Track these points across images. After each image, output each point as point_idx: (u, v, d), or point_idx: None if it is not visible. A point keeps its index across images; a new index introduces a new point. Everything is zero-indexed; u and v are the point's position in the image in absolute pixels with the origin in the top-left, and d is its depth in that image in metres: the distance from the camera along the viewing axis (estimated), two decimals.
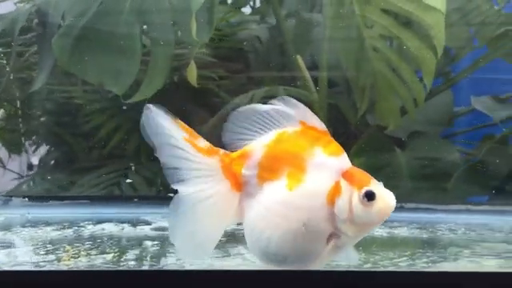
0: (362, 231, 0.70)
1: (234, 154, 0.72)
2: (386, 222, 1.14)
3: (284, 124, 0.71)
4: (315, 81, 1.63)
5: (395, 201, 0.69)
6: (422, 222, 1.22)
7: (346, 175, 0.69)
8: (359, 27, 1.52)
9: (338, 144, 0.72)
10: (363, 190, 0.68)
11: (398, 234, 1.08)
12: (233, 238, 0.90)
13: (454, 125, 1.72)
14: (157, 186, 1.44)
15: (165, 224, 1.08)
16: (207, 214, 0.70)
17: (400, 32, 1.48)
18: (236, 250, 0.85)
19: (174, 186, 0.71)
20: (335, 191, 0.68)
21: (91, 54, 1.28)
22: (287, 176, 0.69)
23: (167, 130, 0.69)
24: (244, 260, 0.78)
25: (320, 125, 0.72)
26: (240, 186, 0.71)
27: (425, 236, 1.11)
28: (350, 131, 1.75)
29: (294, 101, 0.72)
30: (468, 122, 1.72)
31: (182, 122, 0.70)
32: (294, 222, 0.68)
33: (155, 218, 1.16)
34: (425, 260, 0.74)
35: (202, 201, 0.70)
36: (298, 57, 1.65)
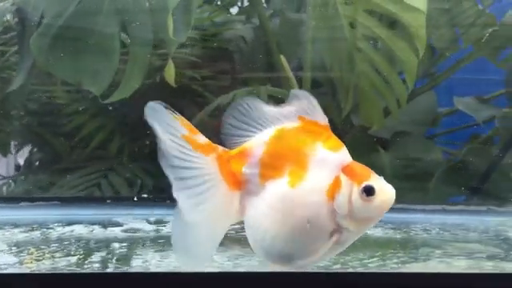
0: (362, 226, 0.69)
1: (233, 152, 0.71)
2: None
3: (282, 120, 0.70)
4: (300, 81, 1.63)
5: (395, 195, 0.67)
6: (397, 222, 1.21)
7: (345, 170, 0.68)
8: (343, 28, 1.52)
9: (337, 138, 0.71)
10: (363, 185, 0.67)
11: (371, 235, 1.07)
12: None
13: (440, 125, 1.72)
14: (137, 187, 1.43)
15: (137, 225, 1.08)
16: (205, 216, 0.68)
17: (383, 32, 1.48)
18: None
19: (172, 184, 0.68)
20: (335, 186, 0.68)
21: (69, 54, 1.26)
22: (289, 173, 0.68)
23: (166, 127, 0.67)
24: (212, 262, 0.76)
25: (323, 119, 0.71)
26: (239, 184, 0.70)
27: (398, 236, 1.10)
28: (334, 132, 1.75)
29: (300, 93, 0.71)
30: (453, 122, 1.72)
31: (183, 118, 0.68)
32: (297, 219, 0.67)
33: (127, 219, 1.15)
34: (395, 261, 0.73)
35: (199, 200, 0.68)
36: (282, 57, 1.65)
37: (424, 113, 1.65)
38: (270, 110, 0.71)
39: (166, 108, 0.68)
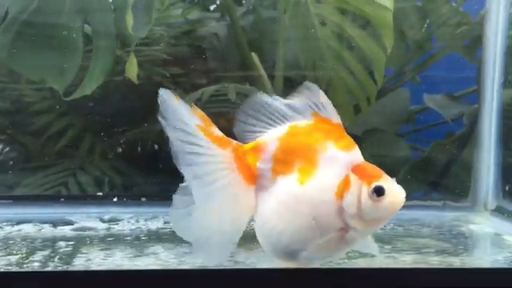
0: (370, 226, 0.69)
1: (248, 146, 0.70)
2: None
3: (297, 116, 0.70)
4: (273, 78, 1.63)
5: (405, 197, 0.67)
6: None
7: (356, 169, 0.68)
8: (314, 25, 1.53)
9: (350, 138, 0.71)
10: (372, 185, 0.67)
11: None
12: (148, 237, 0.88)
13: (416, 122, 1.72)
14: (104, 186, 1.42)
15: (89, 224, 1.07)
16: (224, 211, 0.68)
17: (352, 30, 1.49)
18: (152, 249, 0.84)
19: (185, 175, 0.67)
20: (344, 185, 0.67)
21: (32, 50, 1.25)
22: (299, 170, 0.68)
23: (181, 116, 0.66)
24: (157, 260, 0.75)
25: (335, 117, 0.71)
26: (254, 178, 0.69)
27: None
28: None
29: (314, 87, 0.71)
30: (426, 119, 1.72)
31: (198, 109, 0.67)
32: (304, 216, 0.67)
33: (80, 218, 1.14)
34: (342, 256, 0.73)
35: (216, 194, 0.67)
36: (253, 54, 1.65)
37: (396, 110, 1.66)
38: (283, 105, 0.71)
39: (179, 98, 0.67)
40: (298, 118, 0.70)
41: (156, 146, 1.54)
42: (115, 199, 1.26)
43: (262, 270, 0.70)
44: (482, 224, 1.24)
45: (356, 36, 1.48)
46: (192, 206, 0.67)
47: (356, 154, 0.70)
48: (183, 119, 0.66)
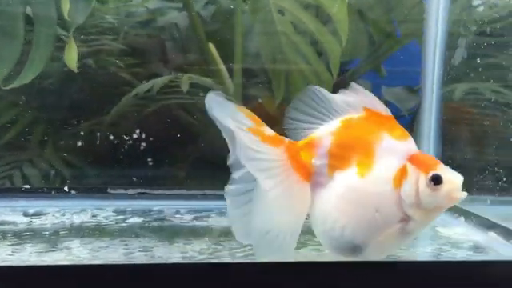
0: (429, 216, 0.68)
1: (301, 143, 0.70)
2: None
3: (348, 111, 0.70)
4: (231, 70, 1.60)
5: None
6: None
7: (412, 159, 0.68)
8: (273, 17, 1.51)
9: (403, 128, 0.71)
10: (430, 174, 0.67)
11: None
12: (69, 231, 0.85)
13: None
14: (50, 179, 1.37)
15: (8, 218, 1.03)
16: (282, 208, 0.67)
17: (310, 22, 1.47)
18: (66, 244, 0.80)
19: (236, 177, 0.68)
20: (402, 175, 0.67)
21: None
22: (357, 163, 0.68)
23: (231, 119, 0.66)
24: (68, 255, 0.72)
25: (385, 110, 0.71)
26: (309, 175, 0.69)
27: None
28: (268, 121, 1.73)
29: (359, 87, 0.72)
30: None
31: (246, 110, 0.67)
32: (367, 208, 0.67)
33: (3, 211, 1.09)
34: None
35: (274, 194, 0.66)
36: (211, 45, 1.61)
37: None
38: (335, 100, 0.71)
39: (228, 100, 0.67)
40: (348, 113, 0.70)
41: (109, 138, 1.50)
42: (53, 192, 1.22)
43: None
44: None
45: (313, 28, 1.46)
46: (247, 205, 0.68)
47: (411, 144, 0.70)
48: (233, 122, 0.66)
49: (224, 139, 0.71)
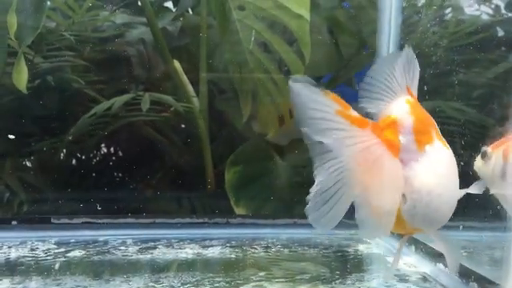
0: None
1: (382, 123, 0.70)
2: (200, 240, 1.07)
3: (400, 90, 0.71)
4: (197, 85, 1.59)
5: None
6: (242, 238, 1.16)
7: None
8: (238, 33, 1.50)
9: None
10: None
11: (205, 255, 1.02)
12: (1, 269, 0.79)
13: None
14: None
15: None
16: (380, 189, 0.67)
17: (273, 39, 1.46)
18: None
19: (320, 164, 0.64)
20: None
21: None
22: (437, 137, 0.70)
23: (318, 104, 0.64)
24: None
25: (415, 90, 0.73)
26: (397, 152, 0.69)
27: (233, 256, 1.05)
28: (234, 138, 1.71)
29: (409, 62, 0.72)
30: None
31: (332, 94, 0.65)
32: (457, 180, 0.69)
33: None
34: (209, 286, 0.68)
35: (371, 174, 0.66)
36: (176, 61, 1.60)
37: None
38: (399, 78, 0.72)
39: (314, 85, 0.64)
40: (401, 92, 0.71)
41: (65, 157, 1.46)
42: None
43: None
44: (372, 244, 1.19)
45: (276, 44, 1.46)
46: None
47: None
48: (320, 107, 0.65)
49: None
